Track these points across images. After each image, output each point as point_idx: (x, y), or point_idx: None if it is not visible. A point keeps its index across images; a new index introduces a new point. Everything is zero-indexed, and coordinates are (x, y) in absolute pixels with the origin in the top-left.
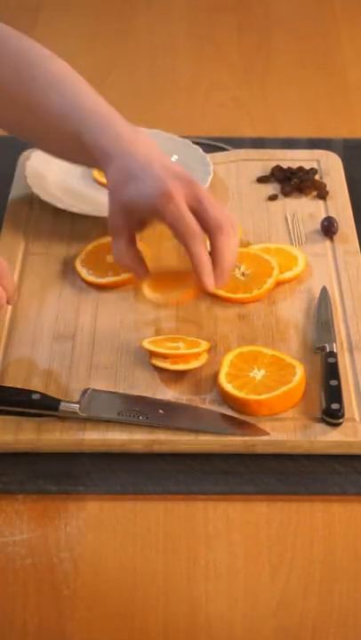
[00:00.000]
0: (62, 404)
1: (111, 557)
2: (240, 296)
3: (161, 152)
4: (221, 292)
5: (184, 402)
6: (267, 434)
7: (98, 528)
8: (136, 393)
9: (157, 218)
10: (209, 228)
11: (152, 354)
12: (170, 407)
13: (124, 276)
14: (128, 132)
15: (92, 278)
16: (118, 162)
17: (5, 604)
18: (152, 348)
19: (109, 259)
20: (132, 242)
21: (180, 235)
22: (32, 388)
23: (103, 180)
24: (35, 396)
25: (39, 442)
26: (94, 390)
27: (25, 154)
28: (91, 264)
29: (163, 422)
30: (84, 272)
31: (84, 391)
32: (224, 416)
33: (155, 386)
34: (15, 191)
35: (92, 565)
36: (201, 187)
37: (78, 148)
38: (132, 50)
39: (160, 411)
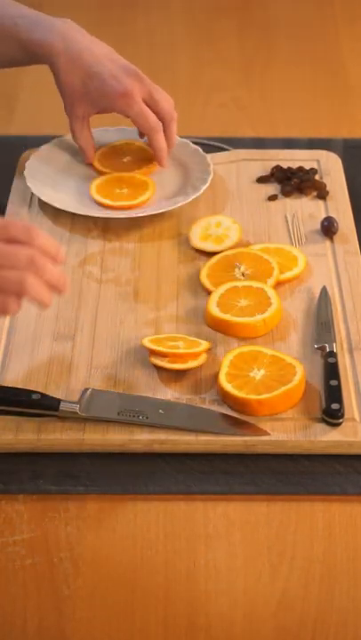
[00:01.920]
0: (62, 403)
1: (111, 557)
2: None
3: (92, 37)
4: None
5: (184, 402)
6: (267, 434)
7: (98, 528)
8: (136, 393)
9: (117, 112)
10: (162, 118)
11: (151, 352)
12: (170, 407)
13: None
14: (59, 22)
15: (107, 201)
16: (63, 55)
17: (5, 604)
18: (152, 346)
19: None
20: (87, 126)
21: (144, 129)
22: (32, 388)
23: (104, 201)
24: (35, 396)
25: (39, 442)
26: (94, 390)
27: (25, 154)
28: (104, 193)
29: (163, 422)
30: (99, 198)
31: (84, 391)
32: (224, 416)
33: (155, 385)
34: (15, 191)
35: (92, 565)
36: (145, 77)
37: (16, 47)
38: (132, 50)
39: (160, 411)
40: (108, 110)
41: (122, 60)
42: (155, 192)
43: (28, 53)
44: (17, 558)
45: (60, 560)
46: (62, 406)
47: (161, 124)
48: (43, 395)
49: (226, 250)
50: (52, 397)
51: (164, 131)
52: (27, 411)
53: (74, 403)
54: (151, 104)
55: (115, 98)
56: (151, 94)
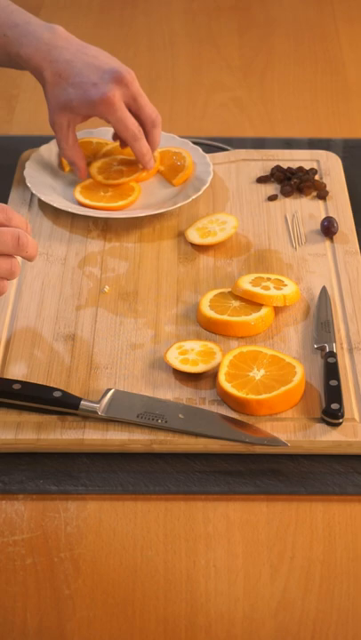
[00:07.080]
0: (82, 402)
1: (111, 557)
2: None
3: (81, 44)
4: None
5: (184, 402)
6: (269, 436)
7: (98, 528)
8: (135, 392)
9: (99, 117)
10: (144, 124)
11: (174, 368)
12: (190, 412)
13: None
14: (47, 33)
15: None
16: (49, 69)
17: (5, 603)
18: (178, 365)
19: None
20: (75, 139)
21: (124, 136)
22: None
23: (85, 201)
24: (56, 394)
25: (39, 442)
26: (117, 391)
27: (25, 154)
28: (86, 194)
29: (182, 427)
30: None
31: (106, 391)
32: (242, 423)
33: (154, 385)
34: (15, 191)
35: (92, 565)
36: (134, 82)
37: (6, 59)
38: (133, 50)
39: (180, 415)
40: (90, 116)
41: (111, 64)
42: (137, 198)
43: (17, 65)
44: (17, 558)
45: (60, 560)
46: (82, 405)
47: (141, 130)
48: (64, 392)
49: (225, 239)
50: (73, 396)
51: (146, 137)
52: (46, 407)
53: (94, 402)
54: (134, 109)
55: (94, 105)
56: (135, 99)
